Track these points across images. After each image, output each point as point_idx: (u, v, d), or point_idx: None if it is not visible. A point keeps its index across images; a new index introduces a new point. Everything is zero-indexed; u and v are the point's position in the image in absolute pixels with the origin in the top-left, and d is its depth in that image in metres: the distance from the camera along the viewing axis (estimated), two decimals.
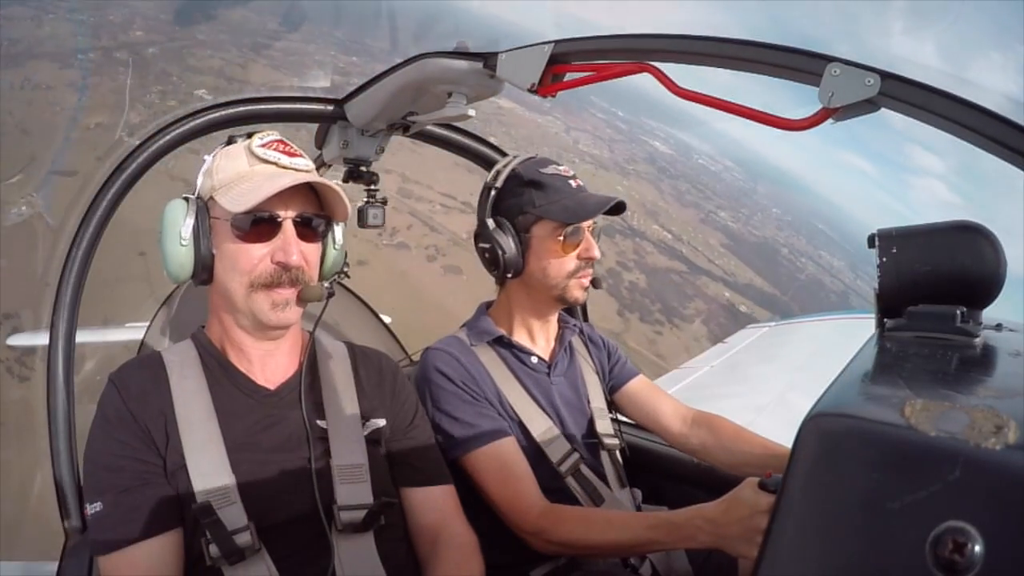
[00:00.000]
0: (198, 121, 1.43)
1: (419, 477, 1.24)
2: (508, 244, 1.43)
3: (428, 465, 1.26)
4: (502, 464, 1.36)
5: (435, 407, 1.39)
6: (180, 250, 1.08)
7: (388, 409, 1.24)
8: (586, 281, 1.50)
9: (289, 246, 1.08)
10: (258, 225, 1.08)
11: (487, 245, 1.45)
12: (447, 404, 1.39)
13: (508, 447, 1.38)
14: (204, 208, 1.10)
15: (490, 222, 1.45)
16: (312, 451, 1.11)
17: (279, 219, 1.09)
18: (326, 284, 1.18)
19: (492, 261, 1.45)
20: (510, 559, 1.38)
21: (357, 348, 1.31)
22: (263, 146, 1.12)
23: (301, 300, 1.11)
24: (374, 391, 1.24)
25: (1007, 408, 0.55)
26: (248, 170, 1.10)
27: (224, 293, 1.12)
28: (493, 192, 1.46)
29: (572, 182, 1.46)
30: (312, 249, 1.13)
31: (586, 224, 1.46)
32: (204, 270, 1.10)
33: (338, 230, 1.21)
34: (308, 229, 1.12)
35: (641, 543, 1.22)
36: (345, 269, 1.25)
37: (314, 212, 1.13)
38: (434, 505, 1.23)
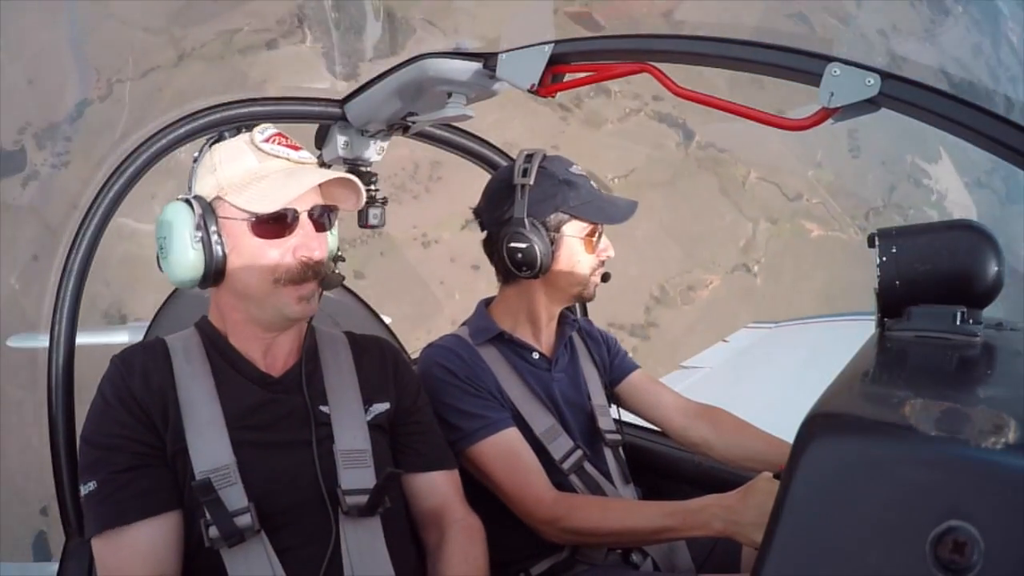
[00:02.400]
0: (197, 122, 1.43)
1: (423, 462, 1.24)
2: (546, 243, 1.40)
3: (432, 450, 1.27)
4: (512, 452, 1.36)
5: (438, 401, 1.38)
6: (192, 253, 1.06)
7: (391, 393, 1.24)
8: (599, 278, 1.51)
9: (311, 241, 1.08)
10: (278, 222, 1.07)
11: (522, 244, 1.40)
12: (451, 397, 1.39)
13: (515, 436, 1.38)
14: (209, 208, 1.08)
15: (520, 219, 1.41)
16: (315, 435, 1.11)
17: (296, 211, 1.08)
18: (336, 270, 1.18)
19: (526, 261, 1.41)
20: (509, 557, 1.38)
21: (357, 336, 1.31)
22: (267, 141, 1.10)
23: (321, 288, 1.12)
24: (376, 376, 1.25)
25: (1007, 407, 0.55)
26: (259, 167, 1.09)
27: (241, 291, 1.10)
28: (522, 190, 1.42)
29: (592, 183, 1.49)
30: (324, 239, 1.14)
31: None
32: (217, 272, 1.08)
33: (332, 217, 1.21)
34: (319, 221, 1.13)
35: (657, 530, 1.23)
36: (340, 253, 1.24)
37: (324, 204, 1.14)
38: (438, 490, 1.24)
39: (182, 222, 1.06)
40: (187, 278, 1.08)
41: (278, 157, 1.09)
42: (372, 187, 1.67)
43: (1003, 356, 0.81)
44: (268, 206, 1.04)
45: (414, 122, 1.54)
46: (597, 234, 1.46)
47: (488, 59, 1.25)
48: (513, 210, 1.42)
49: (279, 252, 1.07)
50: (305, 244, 1.08)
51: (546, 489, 1.33)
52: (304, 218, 1.09)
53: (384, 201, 1.69)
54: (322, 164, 1.76)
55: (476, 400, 1.39)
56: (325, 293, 1.14)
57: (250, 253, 1.07)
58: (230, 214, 1.07)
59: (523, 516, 1.33)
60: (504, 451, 1.35)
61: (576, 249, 1.45)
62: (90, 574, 1.22)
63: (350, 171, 1.66)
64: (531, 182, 1.41)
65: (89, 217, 1.40)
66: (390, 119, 1.53)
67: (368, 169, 1.68)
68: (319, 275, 1.10)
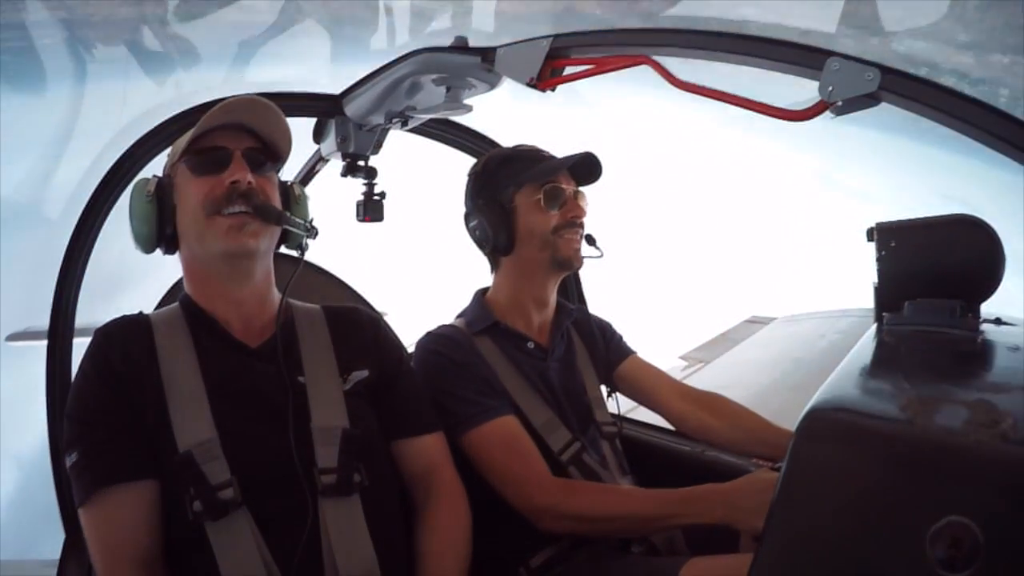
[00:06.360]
0: (193, 118, 1.43)
1: (410, 427, 1.26)
2: (492, 217, 1.45)
3: (419, 414, 1.28)
4: (510, 438, 1.35)
5: (435, 387, 1.37)
6: (147, 207, 1.13)
7: (371, 359, 1.24)
8: (576, 241, 1.49)
9: (239, 165, 1.12)
10: (211, 160, 1.12)
11: (474, 223, 1.48)
12: (447, 383, 1.38)
13: (514, 423, 1.37)
14: (167, 175, 1.16)
15: (472, 204, 1.49)
16: (292, 413, 1.11)
17: (229, 149, 1.13)
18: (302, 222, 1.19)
19: (483, 237, 1.47)
20: (508, 549, 1.38)
21: (334, 308, 1.32)
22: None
23: (258, 219, 1.11)
24: (354, 343, 1.25)
25: (1005, 402, 0.55)
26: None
27: (187, 237, 1.14)
28: (473, 179, 1.51)
29: (544, 151, 1.51)
30: (266, 181, 1.16)
31: (568, 187, 1.48)
32: (168, 224, 1.13)
33: (296, 187, 1.24)
34: (258, 164, 1.16)
35: (657, 517, 1.23)
36: (312, 221, 1.24)
37: (260, 147, 1.17)
38: (427, 452, 1.26)
39: (140, 187, 1.14)
40: (146, 231, 1.13)
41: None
42: (371, 181, 1.67)
43: (1001, 350, 0.81)
44: (190, 137, 1.10)
45: (412, 116, 1.54)
46: (544, 192, 1.44)
47: (486, 53, 1.24)
48: (466, 198, 1.51)
49: (211, 185, 1.11)
50: (233, 172, 1.11)
51: (546, 475, 1.33)
52: (237, 155, 1.13)
53: (382, 195, 1.69)
54: (320, 159, 1.76)
55: (473, 386, 1.38)
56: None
57: (187, 192, 1.12)
58: (178, 170, 1.14)
59: (522, 502, 1.31)
60: (504, 436, 1.35)
61: (531, 213, 1.45)
62: (90, 572, 1.22)
63: (348, 166, 1.66)
64: (477, 171, 1.50)
65: (88, 216, 1.40)
66: (388, 113, 1.53)
67: (366, 164, 1.68)
68: (249, 201, 1.10)
